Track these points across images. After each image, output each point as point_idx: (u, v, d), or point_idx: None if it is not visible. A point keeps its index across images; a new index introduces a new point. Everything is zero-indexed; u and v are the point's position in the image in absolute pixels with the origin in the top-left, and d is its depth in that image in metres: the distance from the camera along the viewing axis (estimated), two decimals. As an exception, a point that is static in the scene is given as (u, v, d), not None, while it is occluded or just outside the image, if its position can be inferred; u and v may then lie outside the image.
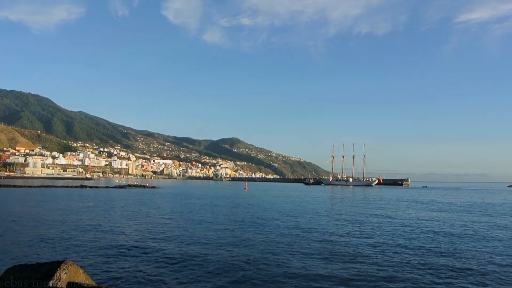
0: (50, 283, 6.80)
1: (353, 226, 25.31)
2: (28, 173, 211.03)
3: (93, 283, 7.90)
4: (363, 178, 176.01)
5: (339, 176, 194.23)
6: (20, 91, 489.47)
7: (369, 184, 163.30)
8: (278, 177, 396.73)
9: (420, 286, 11.80)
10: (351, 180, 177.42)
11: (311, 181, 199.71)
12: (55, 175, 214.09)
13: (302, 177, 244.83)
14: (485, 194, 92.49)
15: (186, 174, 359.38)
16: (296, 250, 16.78)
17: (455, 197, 71.46)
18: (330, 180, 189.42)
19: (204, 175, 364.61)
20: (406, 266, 14.24)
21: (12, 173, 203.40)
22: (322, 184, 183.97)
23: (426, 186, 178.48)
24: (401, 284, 11.95)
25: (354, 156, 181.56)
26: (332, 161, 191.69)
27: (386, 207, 43.60)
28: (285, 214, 33.10)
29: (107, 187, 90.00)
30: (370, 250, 17.05)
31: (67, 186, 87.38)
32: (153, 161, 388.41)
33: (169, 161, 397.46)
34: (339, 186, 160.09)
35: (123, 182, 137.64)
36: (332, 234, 21.65)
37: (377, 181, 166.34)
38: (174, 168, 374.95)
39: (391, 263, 14.56)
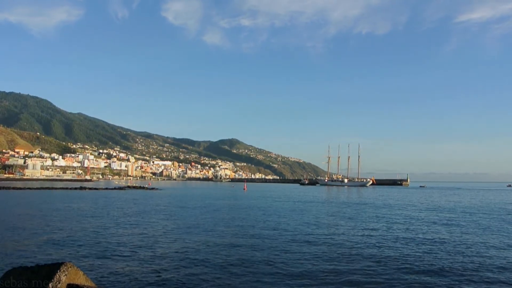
0: (50, 285, 6.86)
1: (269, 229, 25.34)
2: (27, 175, 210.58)
3: (93, 285, 7.97)
4: (358, 178, 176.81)
5: (334, 177, 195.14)
6: (19, 93, 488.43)
7: (363, 185, 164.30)
8: (278, 178, 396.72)
9: None
10: (346, 180, 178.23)
11: (307, 182, 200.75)
12: (55, 177, 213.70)
13: (302, 178, 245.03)
14: (469, 193, 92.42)
15: (185, 175, 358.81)
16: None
17: (430, 199, 71.11)
18: (326, 180, 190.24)
19: (204, 176, 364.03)
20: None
21: (11, 175, 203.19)
22: (317, 185, 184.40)
23: (423, 186, 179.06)
24: None
25: (349, 157, 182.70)
26: (328, 162, 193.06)
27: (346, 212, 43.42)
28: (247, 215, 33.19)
29: (106, 188, 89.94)
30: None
31: (66, 188, 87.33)
32: (153, 162, 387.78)
33: (168, 163, 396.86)
34: (334, 186, 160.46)
35: (123, 183, 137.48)
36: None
37: (371, 182, 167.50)
38: (174, 169, 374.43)
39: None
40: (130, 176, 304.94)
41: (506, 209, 42.73)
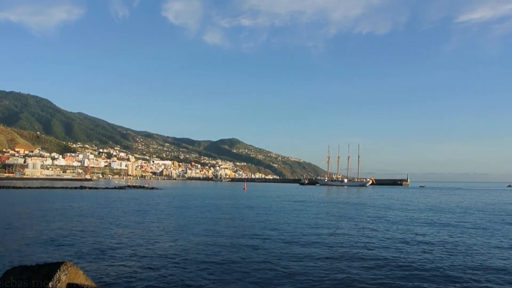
0: (50, 285, 6.84)
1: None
2: (27, 174, 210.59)
3: (93, 284, 7.95)
4: (357, 178, 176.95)
5: (334, 177, 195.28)
6: (20, 92, 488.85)
7: (363, 185, 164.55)
8: (278, 177, 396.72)
9: None
10: (346, 180, 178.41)
11: (306, 182, 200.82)
12: (55, 176, 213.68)
13: (302, 178, 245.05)
14: (469, 194, 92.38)
15: (185, 175, 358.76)
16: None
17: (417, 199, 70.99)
18: (326, 180, 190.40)
19: (204, 176, 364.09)
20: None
21: (11, 174, 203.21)
22: (317, 185, 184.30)
23: (423, 186, 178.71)
24: None
25: (349, 157, 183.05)
26: (328, 162, 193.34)
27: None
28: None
29: (106, 188, 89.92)
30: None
31: (66, 187, 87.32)
32: (153, 162, 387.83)
33: (168, 162, 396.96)
34: (334, 186, 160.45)
35: (123, 183, 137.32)
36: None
37: (371, 182, 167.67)
38: (174, 169, 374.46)
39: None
40: (130, 175, 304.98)
41: (507, 210, 42.69)
